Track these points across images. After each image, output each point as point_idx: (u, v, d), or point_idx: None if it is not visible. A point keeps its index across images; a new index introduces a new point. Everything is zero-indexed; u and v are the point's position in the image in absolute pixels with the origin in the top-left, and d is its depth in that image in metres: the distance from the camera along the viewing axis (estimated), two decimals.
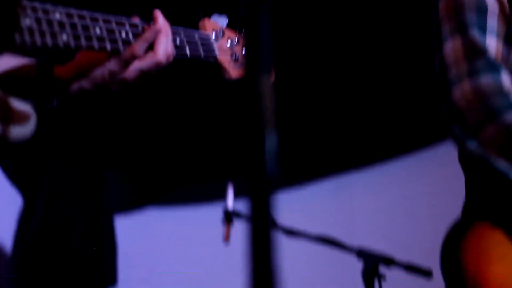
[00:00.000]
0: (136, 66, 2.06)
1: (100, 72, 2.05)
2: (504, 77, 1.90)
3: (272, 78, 1.02)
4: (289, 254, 4.10)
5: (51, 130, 2.67)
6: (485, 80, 1.87)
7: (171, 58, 2.14)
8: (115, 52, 2.03)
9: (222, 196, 3.37)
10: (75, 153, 3.14)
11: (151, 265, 4.42)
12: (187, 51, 2.25)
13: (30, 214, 3.52)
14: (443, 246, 1.71)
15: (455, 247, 1.69)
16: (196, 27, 2.40)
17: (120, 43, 2.02)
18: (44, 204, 3.47)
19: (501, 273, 1.64)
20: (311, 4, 4.17)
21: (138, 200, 4.54)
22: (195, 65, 2.62)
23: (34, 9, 1.75)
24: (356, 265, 2.93)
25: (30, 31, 1.73)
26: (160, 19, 2.11)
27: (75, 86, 2.06)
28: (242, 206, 3.28)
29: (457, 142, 1.89)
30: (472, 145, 1.83)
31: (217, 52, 2.41)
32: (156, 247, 4.48)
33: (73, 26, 1.84)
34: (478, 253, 1.66)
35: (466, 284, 1.63)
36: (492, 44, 1.94)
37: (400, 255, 2.88)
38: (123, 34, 2.03)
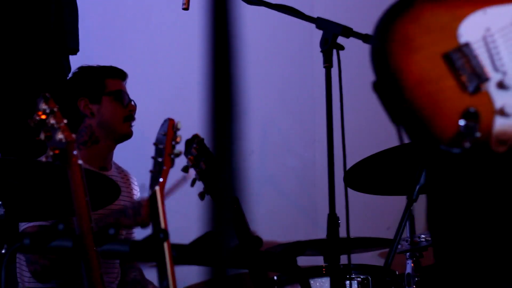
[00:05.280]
0: None
1: None
2: None
3: None
4: (250, 22, 4.13)
5: None
6: None
7: None
8: None
9: None
10: None
11: (112, 35, 4.43)
12: None
13: None
14: (373, 37, 1.75)
15: (382, 37, 1.73)
16: None
17: None
18: None
19: (420, 60, 1.71)
20: None
21: None
22: None
23: None
24: (315, 37, 2.95)
25: None
26: None
27: None
28: None
29: None
30: None
31: None
32: (116, 15, 4.48)
33: None
34: (401, 43, 1.71)
35: (388, 71, 1.70)
36: None
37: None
38: None
